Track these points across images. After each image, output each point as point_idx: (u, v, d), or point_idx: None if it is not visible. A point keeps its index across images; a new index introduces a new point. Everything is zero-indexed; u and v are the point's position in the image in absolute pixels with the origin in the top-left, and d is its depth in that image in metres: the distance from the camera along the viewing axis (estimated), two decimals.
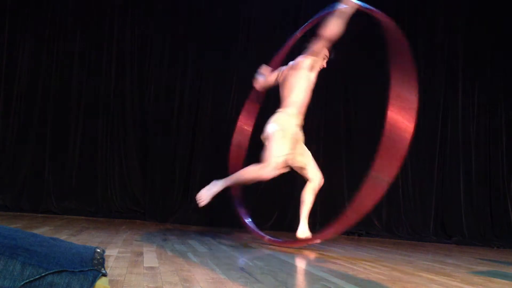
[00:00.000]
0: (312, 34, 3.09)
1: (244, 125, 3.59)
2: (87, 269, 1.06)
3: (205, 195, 2.99)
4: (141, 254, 2.02)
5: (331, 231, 2.81)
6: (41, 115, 4.51)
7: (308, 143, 4.85)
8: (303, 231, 2.97)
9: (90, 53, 4.67)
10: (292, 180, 4.78)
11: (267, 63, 3.49)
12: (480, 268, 2.61)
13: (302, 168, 3.05)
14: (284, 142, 2.86)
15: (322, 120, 4.90)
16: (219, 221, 4.48)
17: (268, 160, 2.81)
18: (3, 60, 4.52)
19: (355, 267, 2.12)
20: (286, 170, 3.02)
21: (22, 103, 4.51)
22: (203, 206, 3.04)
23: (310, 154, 3.12)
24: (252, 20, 4.90)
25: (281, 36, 4.94)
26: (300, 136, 3.06)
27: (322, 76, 4.93)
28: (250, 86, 4.47)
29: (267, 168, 2.80)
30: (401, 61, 2.93)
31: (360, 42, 5.01)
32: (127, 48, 4.72)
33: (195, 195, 4.58)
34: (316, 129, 4.88)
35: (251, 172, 2.86)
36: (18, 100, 4.50)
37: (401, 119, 2.95)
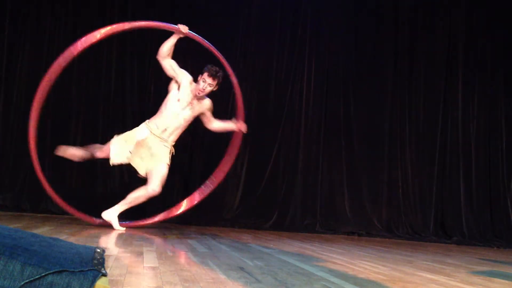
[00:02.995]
0: None
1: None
2: (87, 269, 1.05)
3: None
4: (141, 254, 2.03)
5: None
6: (41, 115, 4.50)
7: (308, 143, 4.89)
8: (109, 213, 3.40)
9: (90, 53, 4.66)
10: (292, 180, 4.79)
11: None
12: (480, 268, 2.61)
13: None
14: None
15: (322, 120, 4.90)
16: (219, 221, 4.48)
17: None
18: (3, 60, 4.51)
19: (355, 267, 2.12)
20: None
21: (22, 103, 4.50)
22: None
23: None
24: (252, 18, 4.90)
25: (280, 34, 4.96)
26: (152, 142, 3.49)
27: (322, 76, 4.98)
28: (250, 85, 4.48)
29: None
30: None
31: (359, 43, 5.02)
32: (127, 48, 4.71)
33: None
34: (316, 129, 4.89)
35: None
36: (18, 100, 4.50)
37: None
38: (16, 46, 4.53)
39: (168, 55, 3.50)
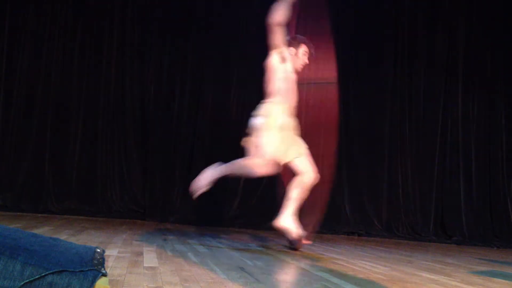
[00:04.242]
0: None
1: None
2: (87, 269, 1.06)
3: (201, 184, 2.73)
4: (141, 254, 2.03)
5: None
6: (41, 115, 4.51)
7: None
8: (284, 220, 2.77)
9: (90, 53, 4.67)
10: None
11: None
12: (480, 268, 2.61)
13: (294, 159, 2.83)
14: (273, 133, 2.72)
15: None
16: (219, 221, 4.48)
17: (259, 156, 2.67)
18: (3, 60, 4.51)
19: (355, 267, 2.12)
20: (278, 167, 2.81)
21: (22, 103, 4.51)
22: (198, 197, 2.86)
23: (304, 145, 2.93)
24: (252, 19, 4.90)
25: None
26: (291, 124, 2.87)
27: None
28: (250, 86, 4.47)
29: (259, 165, 2.68)
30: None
31: (359, 43, 5.02)
32: (127, 48, 4.71)
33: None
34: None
35: (243, 167, 2.71)
36: (18, 100, 4.50)
37: None
38: (16, 46, 4.53)
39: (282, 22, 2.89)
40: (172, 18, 4.79)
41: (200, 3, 4.82)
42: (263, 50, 5.04)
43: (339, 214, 4.77)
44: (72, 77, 4.61)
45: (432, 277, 1.99)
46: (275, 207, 4.65)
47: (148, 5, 4.80)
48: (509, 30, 5.02)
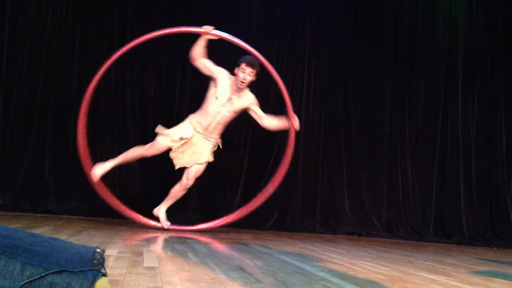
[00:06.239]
0: None
1: None
2: (87, 269, 1.06)
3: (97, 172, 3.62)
4: (141, 254, 2.03)
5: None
6: (41, 115, 4.51)
7: (308, 143, 4.89)
8: (160, 209, 3.70)
9: (90, 53, 4.67)
10: (292, 180, 4.79)
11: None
12: (480, 268, 2.61)
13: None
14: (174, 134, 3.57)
15: (322, 120, 4.90)
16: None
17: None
18: (3, 60, 4.50)
19: (355, 267, 2.12)
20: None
21: (22, 103, 4.50)
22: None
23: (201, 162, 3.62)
24: (253, 18, 4.90)
25: (281, 34, 4.96)
26: (196, 140, 3.60)
27: (323, 75, 4.98)
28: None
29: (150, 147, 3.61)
30: None
31: (360, 43, 5.02)
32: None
33: (195, 195, 4.62)
34: (316, 129, 4.89)
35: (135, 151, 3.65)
36: (18, 100, 4.49)
37: None
38: (16, 46, 4.53)
39: (200, 56, 3.58)
40: (172, 17, 4.79)
41: (201, 3, 4.82)
42: (264, 49, 5.07)
43: (339, 214, 4.78)
44: (72, 77, 4.60)
45: (432, 277, 1.99)
46: (275, 208, 4.68)
47: (148, 4, 4.80)
48: (510, 29, 5.02)
